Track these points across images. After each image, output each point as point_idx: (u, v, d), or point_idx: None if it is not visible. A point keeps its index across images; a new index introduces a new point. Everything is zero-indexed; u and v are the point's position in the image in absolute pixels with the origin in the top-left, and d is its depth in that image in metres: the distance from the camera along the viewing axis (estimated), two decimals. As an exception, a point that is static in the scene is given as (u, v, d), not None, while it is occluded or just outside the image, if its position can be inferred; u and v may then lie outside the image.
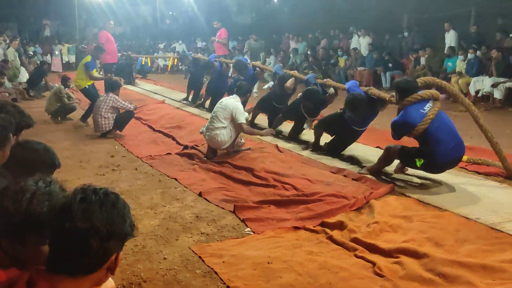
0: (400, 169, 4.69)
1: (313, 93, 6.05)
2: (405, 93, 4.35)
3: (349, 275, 2.74)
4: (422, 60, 11.41)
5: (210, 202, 4.13)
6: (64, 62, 20.59)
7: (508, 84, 8.82)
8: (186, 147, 6.13)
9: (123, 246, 1.41)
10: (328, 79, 6.68)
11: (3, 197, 1.56)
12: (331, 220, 3.59)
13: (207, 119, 5.78)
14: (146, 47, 22.73)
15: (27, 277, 1.35)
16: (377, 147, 5.74)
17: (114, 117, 6.98)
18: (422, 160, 4.21)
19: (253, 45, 16.42)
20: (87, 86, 8.39)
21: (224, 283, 2.72)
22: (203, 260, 3.00)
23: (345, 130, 5.50)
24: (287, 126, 6.85)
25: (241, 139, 5.80)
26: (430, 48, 11.31)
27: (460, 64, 10.31)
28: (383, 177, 4.66)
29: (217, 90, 8.82)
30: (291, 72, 7.27)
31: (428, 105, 4.23)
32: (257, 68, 8.27)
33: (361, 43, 13.84)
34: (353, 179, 4.58)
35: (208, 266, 2.92)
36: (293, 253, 3.04)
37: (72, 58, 20.95)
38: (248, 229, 3.55)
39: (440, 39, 11.81)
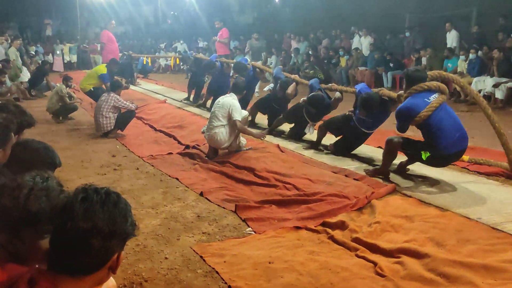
0: (402, 168, 4.68)
1: (317, 100, 6.02)
2: (413, 81, 4.38)
3: (350, 275, 2.74)
4: (424, 60, 11.40)
5: (211, 202, 4.13)
6: (65, 61, 20.59)
7: (510, 84, 8.82)
8: (187, 147, 6.13)
9: (125, 245, 1.41)
10: (333, 84, 6.64)
11: (0, 193, 1.57)
12: (333, 220, 3.59)
13: (208, 119, 5.79)
14: (148, 47, 22.75)
15: (28, 277, 1.34)
16: (378, 147, 5.73)
17: (116, 116, 6.99)
18: (428, 153, 4.20)
19: (255, 45, 16.41)
20: (92, 89, 8.80)
21: (225, 283, 2.72)
22: (204, 260, 3.00)
23: (353, 132, 5.50)
24: (288, 126, 6.85)
25: (243, 139, 5.80)
26: (431, 48, 11.30)
27: (461, 64, 10.30)
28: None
29: (218, 90, 8.81)
30: (293, 76, 7.22)
31: (434, 96, 4.25)
32: (257, 69, 8.29)
33: (362, 43, 13.82)
34: (354, 179, 4.58)
35: (209, 265, 2.92)
36: (294, 253, 3.04)
37: (74, 58, 20.96)
38: (249, 228, 3.55)
39: (442, 39, 11.80)
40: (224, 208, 3.97)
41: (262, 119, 7.58)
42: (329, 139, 5.90)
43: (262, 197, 4.20)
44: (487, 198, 4.00)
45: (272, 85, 7.68)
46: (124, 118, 7.11)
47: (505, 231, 3.29)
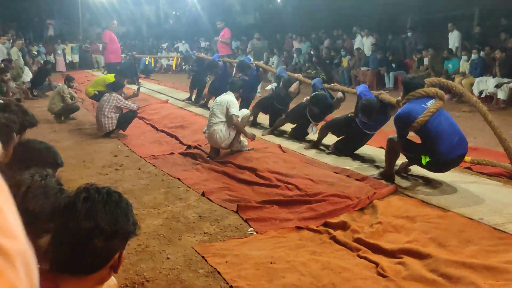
0: (404, 168, 4.68)
1: (321, 99, 6.02)
2: (410, 87, 4.39)
3: (352, 275, 2.74)
4: (426, 60, 11.38)
5: (213, 202, 4.13)
6: (67, 61, 20.63)
7: (512, 85, 8.80)
8: (189, 147, 6.13)
9: (126, 245, 1.41)
10: (335, 84, 6.64)
11: None
12: (334, 220, 3.59)
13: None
14: (149, 47, 22.76)
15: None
16: (380, 147, 5.73)
17: (117, 116, 6.99)
18: (428, 158, 4.20)
19: (257, 45, 16.40)
20: (96, 93, 8.82)
21: (227, 283, 2.72)
22: (206, 260, 3.00)
23: (356, 133, 5.50)
24: (290, 127, 6.84)
25: (244, 140, 5.79)
26: (433, 49, 11.29)
27: (463, 64, 10.28)
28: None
29: (220, 90, 8.80)
30: (296, 75, 7.23)
31: (431, 102, 4.25)
32: (260, 68, 8.28)
33: (364, 43, 13.80)
34: (356, 180, 4.57)
35: (211, 266, 2.92)
36: (296, 253, 3.04)
37: (76, 58, 21.00)
38: (251, 229, 3.55)
39: (444, 40, 11.78)
40: (225, 208, 3.97)
41: (264, 119, 7.57)
42: (330, 139, 5.90)
43: (264, 197, 4.20)
44: (489, 199, 3.99)
45: (275, 84, 7.68)
46: (126, 118, 7.11)
47: (507, 231, 3.29)
